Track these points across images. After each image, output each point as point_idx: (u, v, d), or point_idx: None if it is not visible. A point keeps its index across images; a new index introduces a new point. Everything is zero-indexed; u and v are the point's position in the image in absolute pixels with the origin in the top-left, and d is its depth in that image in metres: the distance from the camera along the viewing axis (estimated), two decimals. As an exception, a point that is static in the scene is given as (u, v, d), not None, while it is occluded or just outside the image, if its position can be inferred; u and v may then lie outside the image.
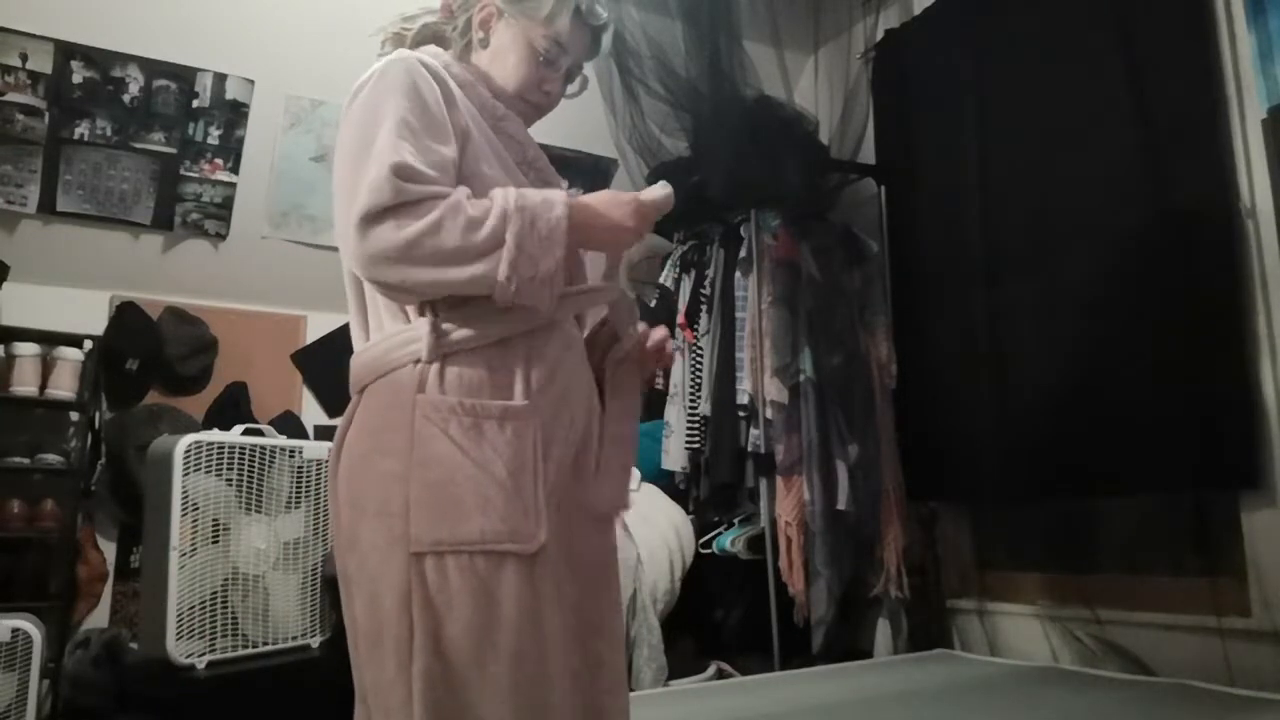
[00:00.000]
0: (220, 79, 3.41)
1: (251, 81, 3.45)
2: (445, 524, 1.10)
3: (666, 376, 3.42)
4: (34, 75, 3.17)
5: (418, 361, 1.16)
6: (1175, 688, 2.16)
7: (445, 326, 1.17)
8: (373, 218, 1.10)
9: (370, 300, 1.24)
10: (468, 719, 1.08)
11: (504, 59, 1.35)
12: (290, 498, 2.79)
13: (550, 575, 1.14)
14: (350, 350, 1.27)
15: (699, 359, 3.27)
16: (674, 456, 3.24)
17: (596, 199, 1.23)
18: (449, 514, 1.10)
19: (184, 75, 3.36)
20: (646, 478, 3.32)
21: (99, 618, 3.43)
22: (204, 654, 2.50)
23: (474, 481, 1.12)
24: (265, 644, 2.65)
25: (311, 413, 3.78)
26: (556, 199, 1.17)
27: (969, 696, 2.17)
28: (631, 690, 2.63)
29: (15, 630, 2.55)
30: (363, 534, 1.15)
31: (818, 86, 3.84)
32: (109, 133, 3.35)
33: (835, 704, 2.10)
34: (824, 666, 2.71)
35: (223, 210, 3.66)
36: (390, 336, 1.20)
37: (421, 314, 1.18)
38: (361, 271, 1.14)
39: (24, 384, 3.30)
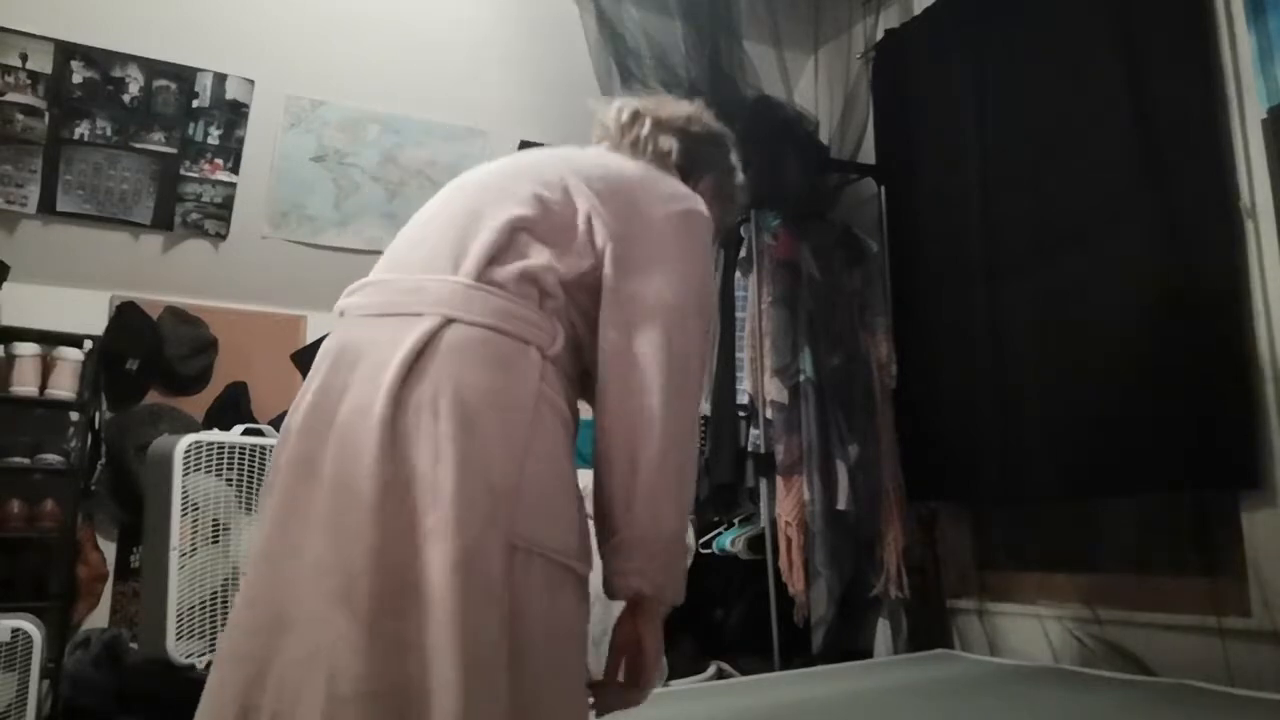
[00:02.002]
0: (220, 79, 3.41)
1: (251, 81, 3.45)
2: (542, 524, 1.09)
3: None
4: (34, 75, 3.17)
5: (541, 350, 1.15)
6: (1176, 688, 2.16)
7: (567, 340, 1.19)
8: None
9: (503, 249, 1.17)
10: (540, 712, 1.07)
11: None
12: (290, 498, 2.79)
13: (587, 597, 1.17)
14: None
15: (699, 359, 3.26)
16: (674, 456, 3.24)
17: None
18: (545, 514, 1.09)
19: (184, 75, 3.36)
20: (647, 478, 3.32)
21: (99, 618, 3.43)
22: (204, 654, 2.50)
23: (565, 488, 1.13)
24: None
25: (311, 413, 3.77)
26: None
27: (970, 696, 2.17)
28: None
29: (15, 630, 2.56)
30: (444, 486, 1.05)
31: (818, 86, 3.84)
32: (109, 133, 3.35)
33: (836, 704, 2.10)
34: (824, 666, 2.70)
35: (223, 210, 3.66)
36: (513, 299, 1.15)
37: (543, 307, 1.17)
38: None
39: (24, 384, 3.30)
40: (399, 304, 1.17)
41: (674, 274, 1.20)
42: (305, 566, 1.07)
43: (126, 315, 3.60)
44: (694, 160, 1.42)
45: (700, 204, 1.30)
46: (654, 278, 1.19)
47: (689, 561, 1.17)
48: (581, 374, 1.23)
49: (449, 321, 1.12)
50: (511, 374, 1.11)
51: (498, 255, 1.17)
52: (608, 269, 1.19)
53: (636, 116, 1.42)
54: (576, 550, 1.12)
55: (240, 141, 3.55)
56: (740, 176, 1.51)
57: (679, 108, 1.47)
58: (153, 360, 3.59)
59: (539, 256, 1.18)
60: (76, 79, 3.23)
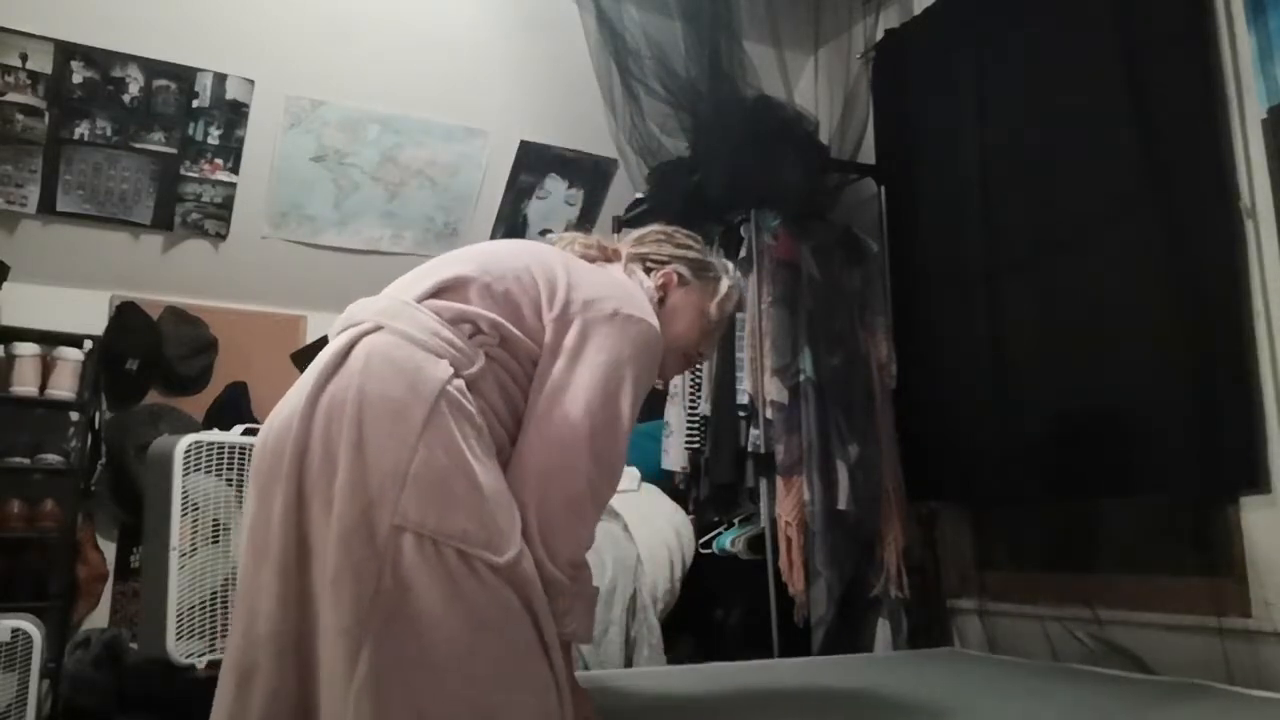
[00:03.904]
0: (220, 79, 3.41)
1: (251, 81, 3.45)
2: (433, 510, 1.17)
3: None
4: (34, 75, 3.17)
5: (455, 368, 1.27)
6: (1187, 686, 2.15)
7: (493, 365, 1.32)
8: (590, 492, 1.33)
9: (447, 289, 1.35)
10: (409, 694, 1.12)
11: (679, 319, 1.58)
12: (290, 498, 2.79)
13: (521, 589, 1.22)
14: None
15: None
16: (674, 456, 3.24)
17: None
18: (438, 501, 1.18)
19: (184, 75, 3.36)
20: (646, 478, 3.32)
21: (99, 618, 3.43)
22: (204, 654, 2.50)
23: (467, 479, 1.20)
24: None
25: (311, 413, 3.77)
26: None
27: (981, 693, 2.16)
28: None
29: (15, 630, 2.56)
30: (339, 469, 1.19)
31: (818, 86, 3.84)
32: (109, 133, 3.35)
33: (844, 696, 2.09)
34: (828, 657, 2.69)
35: (223, 210, 3.66)
36: (449, 327, 1.30)
37: (471, 339, 1.31)
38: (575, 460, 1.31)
39: (24, 384, 3.31)
40: (353, 318, 1.35)
41: (598, 365, 1.34)
42: (246, 530, 1.29)
43: (126, 315, 3.60)
44: (658, 258, 1.62)
45: (645, 312, 1.44)
46: (580, 366, 1.34)
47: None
48: (510, 413, 1.34)
49: (379, 327, 1.30)
50: (416, 376, 1.23)
51: (441, 292, 1.35)
52: (546, 347, 1.35)
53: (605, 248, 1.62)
54: (479, 538, 1.18)
55: (240, 141, 3.55)
56: (719, 265, 1.69)
57: (633, 234, 1.69)
58: (153, 360, 3.60)
59: (481, 305, 1.34)
60: (76, 79, 3.23)
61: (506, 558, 1.20)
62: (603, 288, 1.43)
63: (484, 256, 1.43)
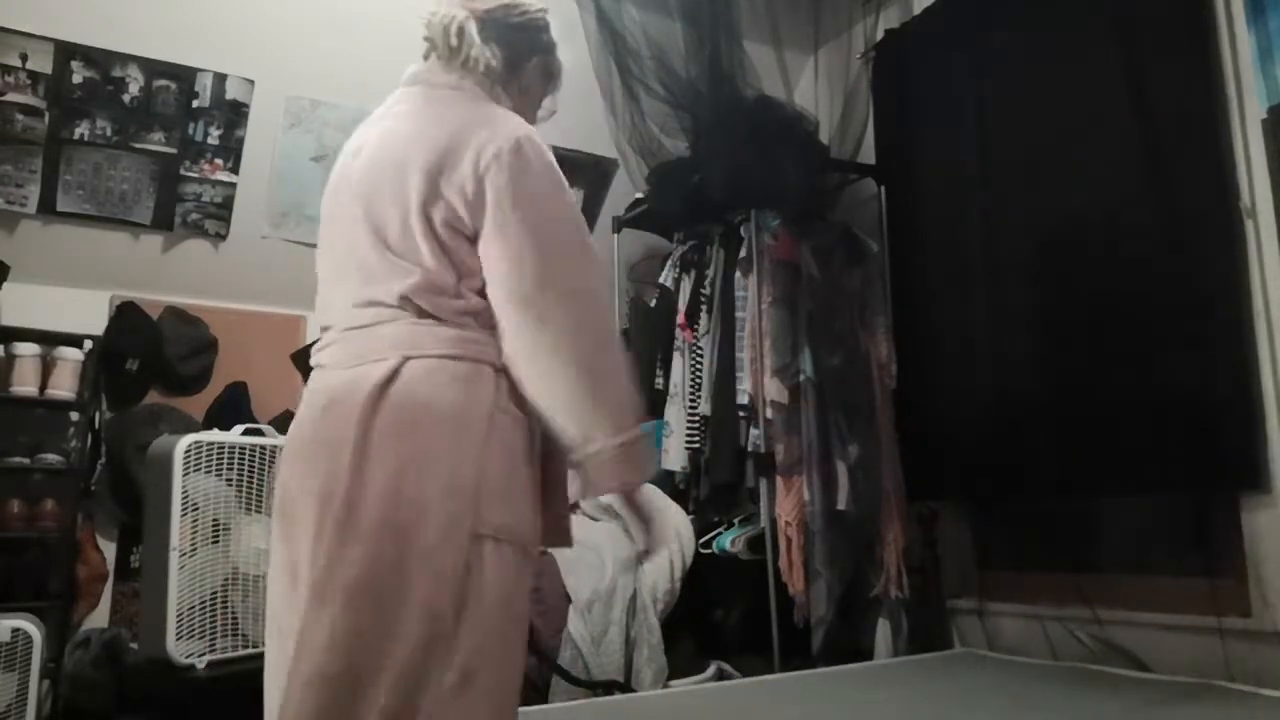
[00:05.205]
0: (220, 79, 3.41)
1: (251, 81, 3.45)
2: (500, 513, 1.24)
3: (666, 377, 3.42)
4: (34, 75, 3.17)
5: (494, 366, 1.29)
6: (1205, 688, 2.15)
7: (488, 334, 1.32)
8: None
9: (438, 288, 1.29)
10: (486, 687, 1.21)
11: (532, 94, 1.55)
12: (290, 498, 2.78)
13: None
14: None
15: (699, 359, 3.27)
16: (674, 456, 3.24)
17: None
18: (504, 505, 1.25)
19: (184, 75, 3.36)
20: (646, 478, 3.32)
21: (99, 618, 3.43)
22: (204, 654, 2.50)
23: (520, 482, 1.29)
24: (265, 644, 2.64)
25: (311, 413, 3.77)
26: None
27: (999, 697, 2.16)
28: (632, 691, 2.64)
29: (15, 630, 2.56)
30: (409, 493, 1.22)
31: (818, 86, 3.84)
32: (109, 133, 3.35)
33: (879, 704, 2.08)
34: (849, 666, 2.69)
35: (223, 210, 3.66)
36: (462, 329, 1.29)
37: (481, 324, 1.31)
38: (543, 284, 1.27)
39: (24, 384, 3.30)
40: (365, 353, 1.31)
41: (528, 224, 1.29)
42: (300, 569, 1.26)
43: (126, 315, 3.60)
44: (519, 54, 1.51)
45: (520, 128, 1.35)
46: (512, 241, 1.29)
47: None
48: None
49: (406, 359, 1.27)
50: (467, 392, 1.27)
51: (405, 299, 1.29)
52: (483, 256, 1.30)
53: (463, 33, 1.49)
54: (529, 536, 1.30)
55: (240, 141, 3.55)
56: (559, 52, 1.59)
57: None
58: (153, 360, 3.59)
59: (464, 299, 1.31)
60: (76, 79, 3.22)
61: (537, 550, 1.33)
62: (466, 148, 1.32)
63: (369, 237, 1.33)
